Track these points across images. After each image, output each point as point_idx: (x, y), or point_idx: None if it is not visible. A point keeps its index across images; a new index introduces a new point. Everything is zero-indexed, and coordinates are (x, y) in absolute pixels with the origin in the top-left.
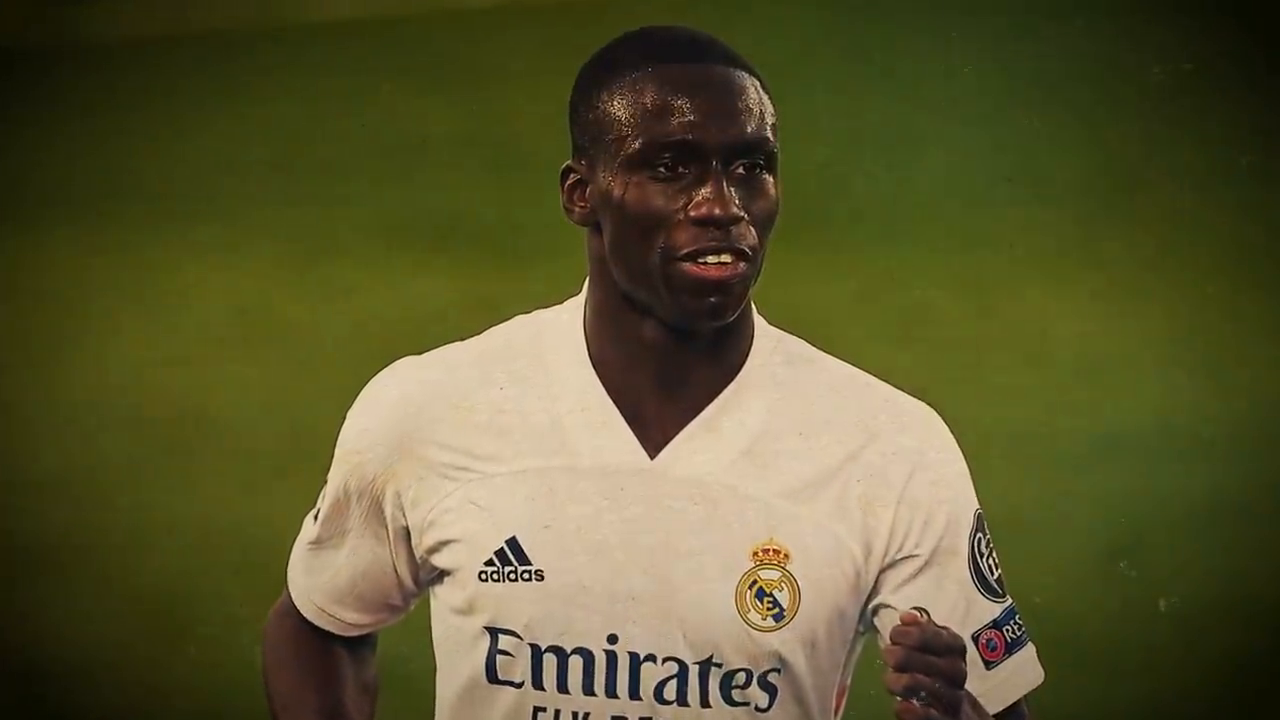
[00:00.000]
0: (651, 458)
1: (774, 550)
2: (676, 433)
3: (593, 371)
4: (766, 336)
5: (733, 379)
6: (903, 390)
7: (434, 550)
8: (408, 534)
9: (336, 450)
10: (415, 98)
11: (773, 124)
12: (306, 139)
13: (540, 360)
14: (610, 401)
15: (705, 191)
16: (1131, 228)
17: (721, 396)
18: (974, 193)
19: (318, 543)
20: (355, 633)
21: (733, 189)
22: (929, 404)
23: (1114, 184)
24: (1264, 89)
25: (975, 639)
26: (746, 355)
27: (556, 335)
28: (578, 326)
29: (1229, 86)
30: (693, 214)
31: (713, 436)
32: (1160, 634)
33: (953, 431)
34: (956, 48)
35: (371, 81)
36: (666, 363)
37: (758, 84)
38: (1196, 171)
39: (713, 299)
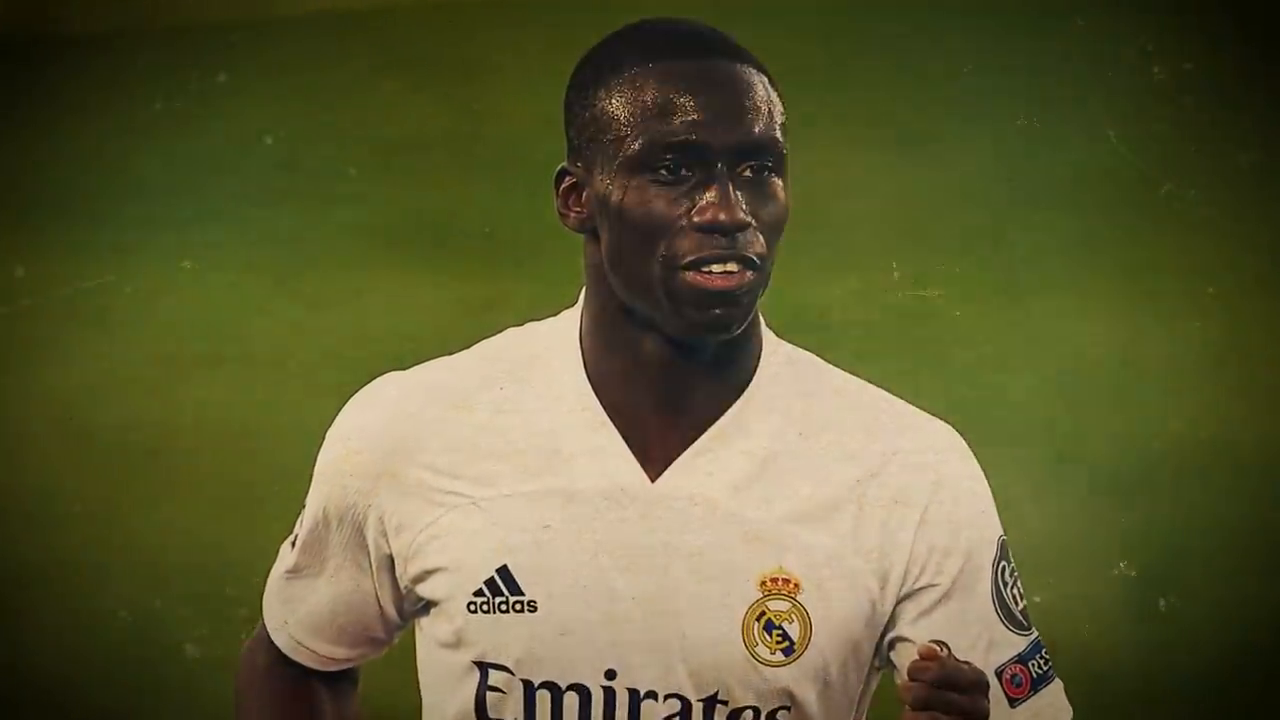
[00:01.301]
0: (652, 480)
1: (783, 579)
2: (679, 453)
3: (590, 388)
4: (775, 350)
5: (739, 396)
6: (902, 392)
7: (419, 579)
8: (391, 562)
9: (315, 471)
10: (404, 94)
11: (782, 123)
12: (285, 138)
13: (533, 376)
14: (608, 420)
15: (710, 196)
16: (1131, 228)
17: (727, 415)
18: (974, 193)
19: (295, 571)
20: (335, 667)
21: (739, 193)
22: (929, 403)
23: (1114, 184)
24: (1264, 89)
25: (999, 674)
26: (754, 371)
27: (551, 349)
28: (574, 339)
29: (1229, 86)
30: (696, 220)
31: (718, 457)
32: (1160, 634)
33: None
34: (956, 48)
35: (357, 78)
36: (668, 379)
37: (765, 81)
38: (1197, 171)
39: (718, 310)
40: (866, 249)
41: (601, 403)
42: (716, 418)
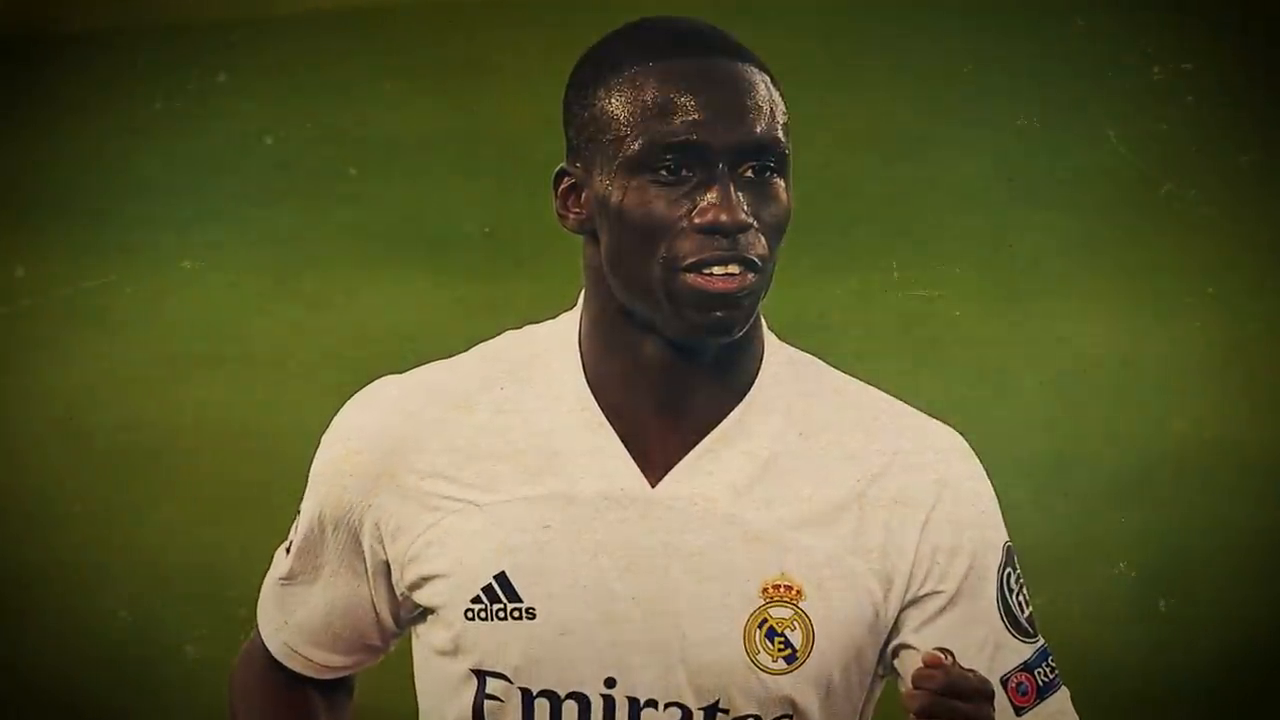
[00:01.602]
0: (652, 485)
1: (785, 586)
2: (680, 458)
3: (589, 392)
4: (778, 354)
5: (741, 400)
6: (902, 392)
7: (416, 586)
8: (388, 568)
9: (311, 475)
10: (404, 94)
11: (784, 123)
12: (285, 138)
13: (532, 379)
14: (608, 424)
15: (711, 196)
16: (1131, 228)
17: (728, 419)
18: (974, 193)
19: (290, 578)
20: (330, 675)
21: (740, 194)
22: (929, 404)
23: (1114, 184)
24: (1264, 89)
25: (1004, 683)
26: (755, 374)
27: (550, 352)
28: (573, 343)
29: (1229, 86)
30: (697, 221)
31: (719, 463)
32: (1160, 634)
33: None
34: (956, 48)
35: (357, 78)
36: (669, 381)
37: (767, 80)
38: (1197, 171)
39: (719, 313)
40: (866, 249)
41: (601, 406)
42: (717, 421)
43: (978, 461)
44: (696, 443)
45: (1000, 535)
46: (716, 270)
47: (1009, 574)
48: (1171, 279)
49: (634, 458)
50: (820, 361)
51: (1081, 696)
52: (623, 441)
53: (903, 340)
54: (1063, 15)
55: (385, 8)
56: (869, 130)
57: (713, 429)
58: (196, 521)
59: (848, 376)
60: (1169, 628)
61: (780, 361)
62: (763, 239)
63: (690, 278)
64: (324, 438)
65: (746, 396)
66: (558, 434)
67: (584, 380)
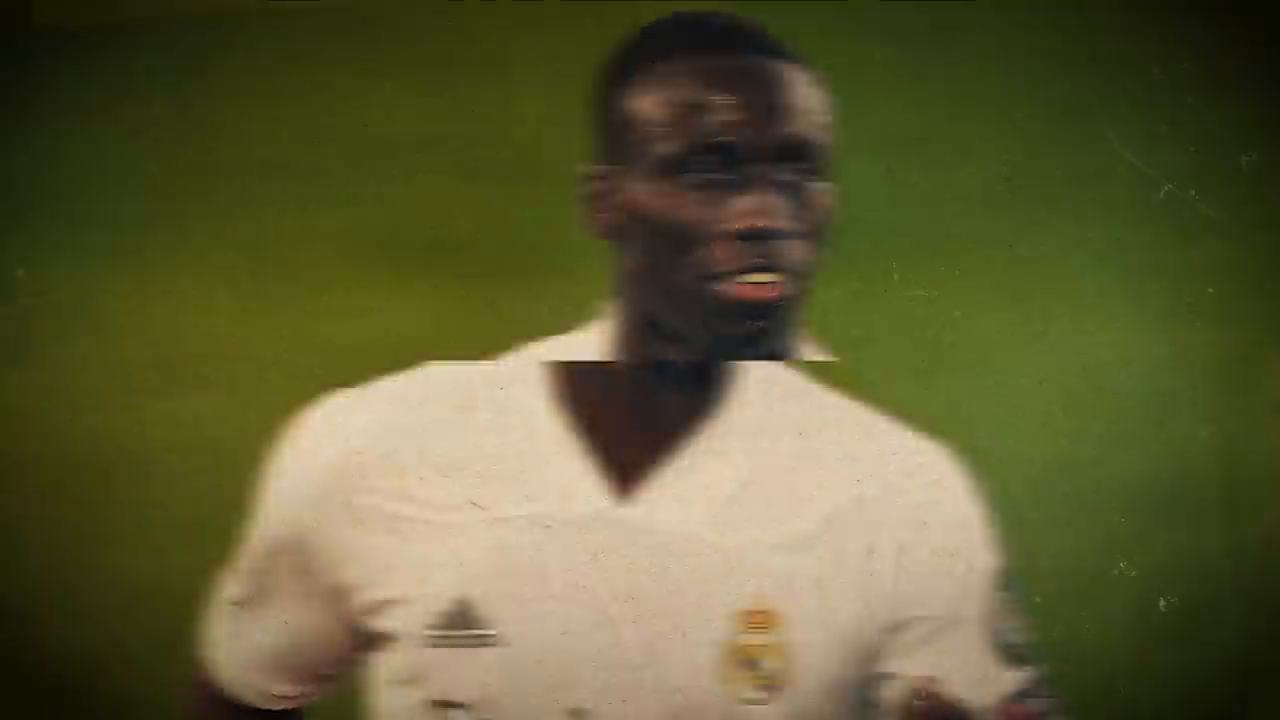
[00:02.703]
0: (624, 504)
1: (763, 612)
2: (653, 475)
3: (558, 405)
4: (757, 365)
5: (716, 413)
6: (902, 395)
7: (371, 611)
8: (342, 593)
9: (262, 496)
10: (399, 94)
11: (824, 123)
12: (263, 140)
13: (499, 392)
14: (577, 438)
15: (746, 201)
16: (1131, 228)
17: (703, 434)
18: (973, 194)
19: (239, 602)
20: (280, 706)
21: (778, 198)
22: (929, 407)
23: (1114, 184)
24: (1264, 89)
25: (996, 713)
26: (733, 388)
27: (519, 364)
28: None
29: (1229, 86)
30: (731, 226)
31: (693, 481)
32: (1160, 634)
33: (953, 431)
34: (956, 47)
35: (357, 78)
36: (642, 394)
37: (806, 78)
38: (1196, 171)
39: (754, 324)
40: (866, 252)
41: (571, 420)
42: (691, 436)
43: (966, 482)
44: (670, 459)
45: (990, 558)
46: (752, 278)
47: (999, 598)
48: (1171, 280)
49: (604, 475)
50: (799, 374)
51: (1082, 697)
52: (593, 457)
53: (903, 342)
54: (1063, 15)
55: (385, 6)
56: (869, 131)
57: (687, 445)
58: (199, 522)
59: (831, 392)
60: (1169, 628)
61: (759, 373)
62: (801, 245)
63: (724, 287)
64: (278, 455)
65: (723, 410)
66: (525, 450)
67: (553, 393)
